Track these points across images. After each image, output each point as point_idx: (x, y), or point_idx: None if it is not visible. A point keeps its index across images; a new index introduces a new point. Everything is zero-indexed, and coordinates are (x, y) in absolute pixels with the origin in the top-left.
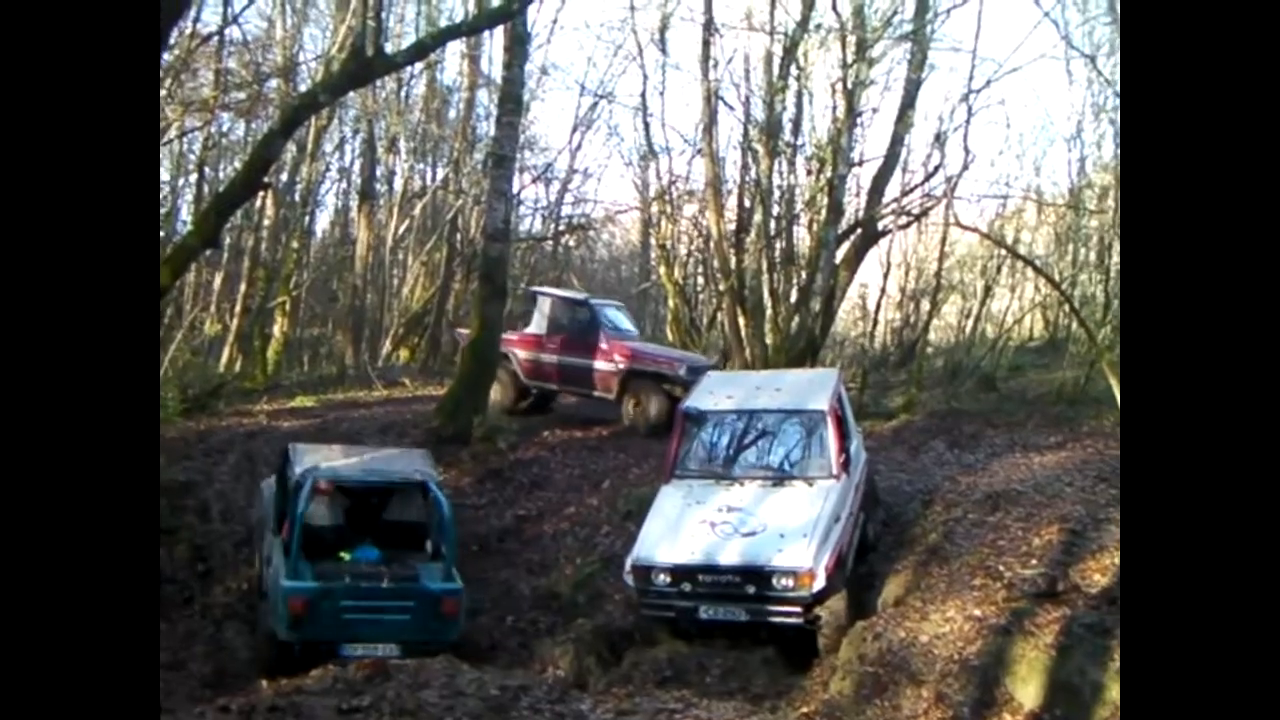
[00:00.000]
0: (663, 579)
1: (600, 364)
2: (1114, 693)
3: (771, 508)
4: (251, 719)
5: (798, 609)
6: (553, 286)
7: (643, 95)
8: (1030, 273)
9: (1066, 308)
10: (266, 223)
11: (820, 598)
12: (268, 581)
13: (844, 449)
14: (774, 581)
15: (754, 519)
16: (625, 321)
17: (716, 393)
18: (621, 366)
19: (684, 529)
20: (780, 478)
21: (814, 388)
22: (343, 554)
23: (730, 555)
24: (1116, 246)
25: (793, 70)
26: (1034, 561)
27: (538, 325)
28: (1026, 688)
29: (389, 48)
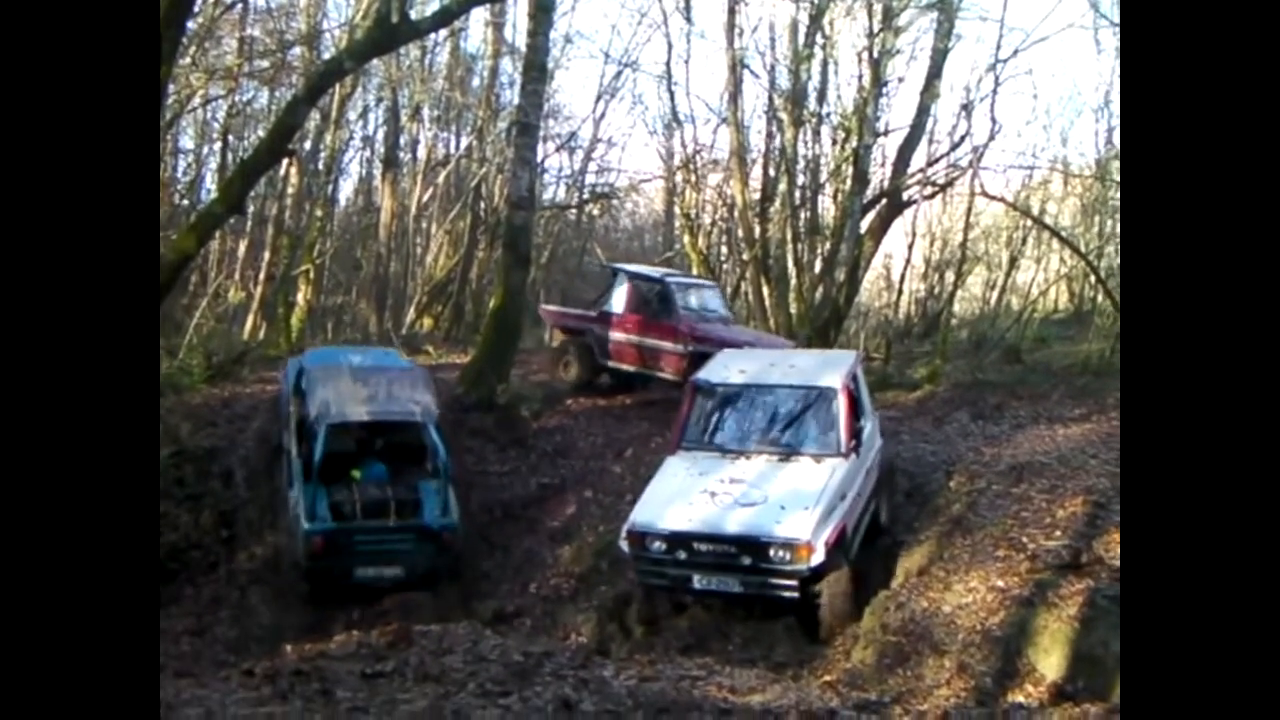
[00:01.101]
0: (658, 546)
1: (670, 345)
2: None
3: (776, 481)
4: (276, 683)
5: (794, 582)
6: (632, 264)
7: (667, 64)
8: (1056, 244)
9: (1092, 279)
10: (290, 190)
11: (818, 573)
12: (290, 505)
13: (855, 429)
14: (770, 553)
15: (757, 491)
16: (712, 302)
17: (730, 366)
18: (688, 349)
19: (684, 497)
20: (788, 453)
21: (828, 366)
22: (354, 472)
23: (728, 524)
24: None
25: (818, 39)
26: (1057, 533)
27: (616, 303)
28: (1049, 659)
29: (413, 14)
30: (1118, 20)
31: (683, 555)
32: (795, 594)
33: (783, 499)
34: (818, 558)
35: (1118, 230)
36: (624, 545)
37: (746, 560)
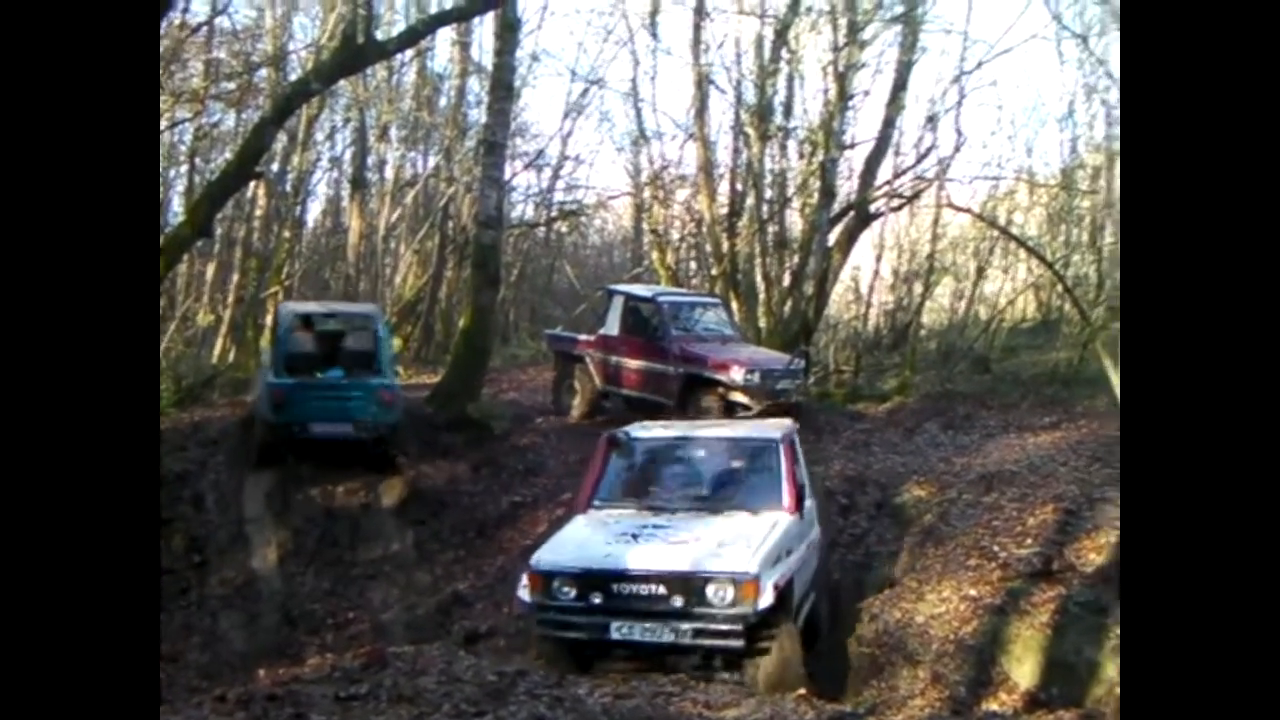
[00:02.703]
0: (566, 590)
1: (663, 367)
2: (1110, 670)
3: (710, 528)
4: (249, 708)
5: (736, 628)
6: (627, 284)
7: (634, 80)
8: (1023, 254)
9: (1060, 288)
10: (258, 212)
11: (765, 621)
12: (261, 386)
13: (798, 487)
14: (708, 592)
15: (688, 533)
16: (712, 320)
17: (652, 427)
18: (680, 371)
19: (598, 540)
20: (722, 507)
21: (765, 427)
22: (317, 373)
23: (653, 561)
24: (1109, 227)
25: (784, 54)
26: (1029, 541)
27: (611, 325)
28: (1022, 667)
29: (380, 35)
30: (1080, 32)
31: (597, 599)
32: (738, 644)
33: (720, 539)
34: (765, 600)
35: (1084, 239)
36: (522, 594)
37: (677, 602)
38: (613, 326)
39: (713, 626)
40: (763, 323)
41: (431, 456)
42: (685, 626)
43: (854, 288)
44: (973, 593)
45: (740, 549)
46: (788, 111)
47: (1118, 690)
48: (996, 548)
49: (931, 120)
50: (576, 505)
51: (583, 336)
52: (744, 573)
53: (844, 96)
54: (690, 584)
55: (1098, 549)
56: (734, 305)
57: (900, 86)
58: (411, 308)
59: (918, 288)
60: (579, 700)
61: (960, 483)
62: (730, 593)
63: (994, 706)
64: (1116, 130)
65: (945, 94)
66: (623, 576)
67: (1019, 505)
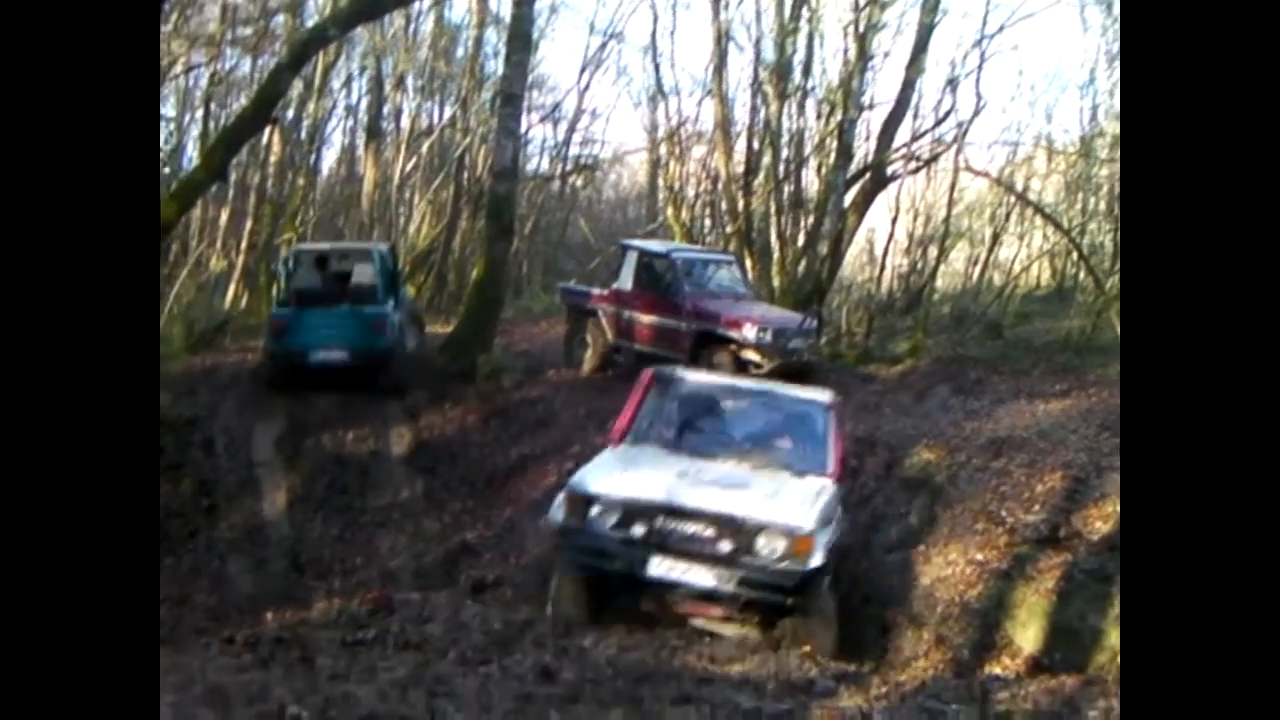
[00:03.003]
0: (606, 518)
1: (675, 323)
2: (1113, 638)
3: (755, 481)
4: (257, 650)
5: (785, 583)
6: (642, 239)
7: (653, 35)
8: (1039, 221)
9: (1075, 256)
10: (273, 159)
11: (809, 581)
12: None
13: (844, 455)
14: (759, 542)
15: (734, 481)
16: (726, 277)
17: (696, 372)
18: (692, 327)
19: (642, 469)
20: (765, 463)
21: (812, 391)
22: (320, 308)
23: (705, 500)
24: None
25: (804, 12)
26: (1036, 507)
27: (624, 280)
28: (1026, 632)
29: None
30: None
31: (639, 531)
32: (780, 599)
33: (771, 492)
34: (816, 559)
35: (1101, 207)
36: (556, 516)
37: (725, 546)
38: (626, 281)
39: (758, 578)
40: (776, 282)
41: (442, 406)
42: (729, 573)
43: (869, 250)
44: (979, 557)
45: (795, 504)
46: (806, 71)
47: (1119, 658)
48: (1004, 513)
49: (951, 83)
50: (610, 438)
51: (596, 291)
52: (799, 527)
53: (863, 57)
54: (742, 530)
55: (1104, 517)
56: (748, 264)
57: (921, 48)
58: (425, 257)
59: (933, 251)
60: (584, 651)
61: (970, 447)
62: (782, 546)
63: (997, 670)
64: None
65: (966, 57)
66: (671, 511)
67: (1028, 471)
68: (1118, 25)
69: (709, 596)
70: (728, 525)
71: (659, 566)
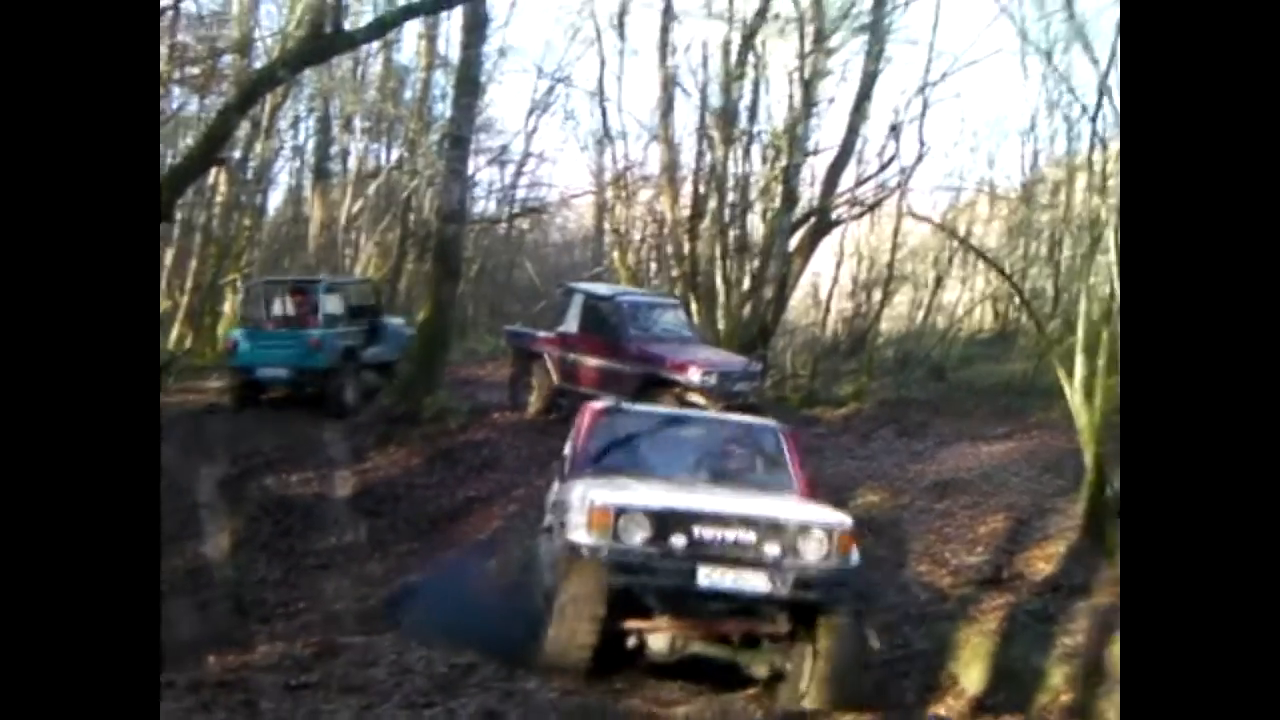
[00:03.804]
0: (638, 530)
1: (620, 366)
2: (1056, 679)
3: (739, 498)
4: (199, 694)
5: (835, 580)
6: (588, 282)
7: (600, 80)
8: (981, 265)
9: (1017, 300)
10: (219, 199)
11: (848, 581)
12: None
13: (808, 476)
14: (803, 542)
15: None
16: (671, 321)
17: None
18: (637, 370)
19: (635, 488)
20: (735, 484)
21: (756, 418)
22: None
23: (739, 506)
24: (1067, 240)
25: (750, 58)
26: (979, 549)
27: (570, 323)
28: (970, 673)
29: (348, 24)
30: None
31: (679, 542)
32: (832, 597)
33: (778, 499)
34: (855, 557)
35: (1042, 252)
36: (582, 537)
37: (772, 550)
38: (571, 324)
39: (808, 577)
40: (721, 325)
41: (386, 447)
42: (780, 576)
43: (813, 293)
44: (922, 598)
45: (816, 507)
46: (752, 116)
47: (1062, 697)
48: (948, 554)
49: (895, 129)
50: (563, 474)
51: (541, 333)
52: (842, 523)
53: (809, 103)
54: (786, 531)
55: (1046, 558)
56: (694, 307)
57: (865, 95)
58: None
59: (876, 295)
60: (529, 694)
61: (913, 489)
62: (827, 544)
63: (941, 711)
64: (1077, 145)
65: (909, 104)
66: (710, 519)
67: (971, 513)
68: (1057, 74)
69: (749, 610)
70: (770, 528)
71: (709, 576)
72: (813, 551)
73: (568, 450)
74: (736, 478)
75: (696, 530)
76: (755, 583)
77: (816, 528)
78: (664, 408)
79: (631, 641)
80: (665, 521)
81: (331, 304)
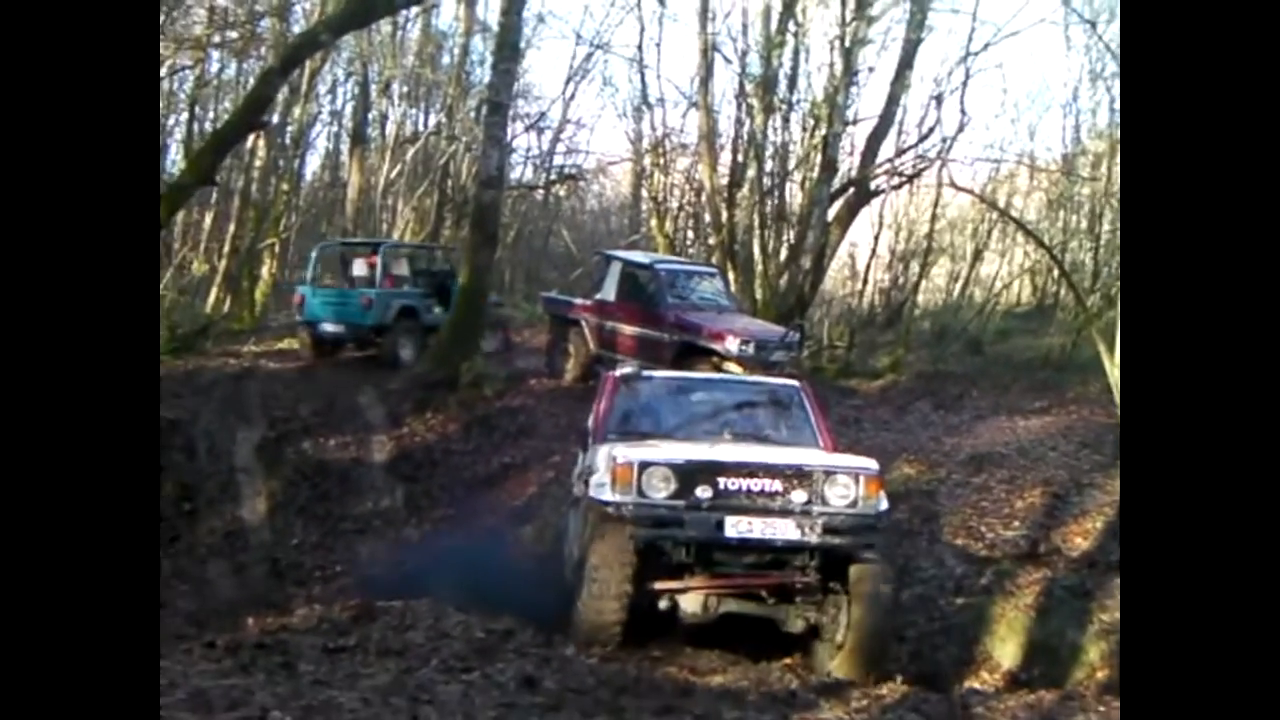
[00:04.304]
0: (664, 484)
1: (658, 334)
2: (1092, 654)
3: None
4: (238, 655)
5: (865, 524)
6: (626, 250)
7: (639, 46)
8: (1020, 238)
9: (1055, 274)
10: (258, 163)
11: (877, 526)
12: None
13: (830, 430)
14: (830, 488)
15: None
16: (709, 290)
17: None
18: (674, 339)
19: (663, 446)
20: (761, 441)
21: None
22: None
23: (763, 456)
24: (1108, 214)
25: (791, 26)
26: (1016, 523)
27: (608, 290)
28: (1005, 647)
29: None
30: (1089, 17)
31: (705, 494)
32: (864, 542)
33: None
34: (884, 503)
35: (1082, 225)
36: (607, 495)
37: (799, 497)
38: (609, 292)
39: (839, 523)
40: (759, 295)
41: (423, 413)
42: (810, 522)
43: (850, 264)
44: (959, 571)
45: (841, 455)
46: (792, 84)
47: (1099, 674)
48: (984, 528)
49: (936, 99)
50: (591, 437)
51: (579, 300)
52: (868, 468)
53: (849, 71)
54: (812, 478)
55: (1084, 534)
56: (731, 276)
57: (906, 64)
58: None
59: (914, 267)
60: (566, 660)
61: (950, 463)
62: (855, 489)
63: (975, 685)
64: (1119, 118)
65: (951, 74)
66: (734, 469)
67: (1008, 487)
68: (1101, 44)
69: (779, 562)
70: (795, 476)
71: (736, 526)
72: (839, 497)
73: (591, 421)
74: (760, 436)
75: (721, 481)
76: (784, 530)
77: (842, 473)
78: (683, 373)
79: (664, 604)
80: (689, 474)
81: (390, 267)
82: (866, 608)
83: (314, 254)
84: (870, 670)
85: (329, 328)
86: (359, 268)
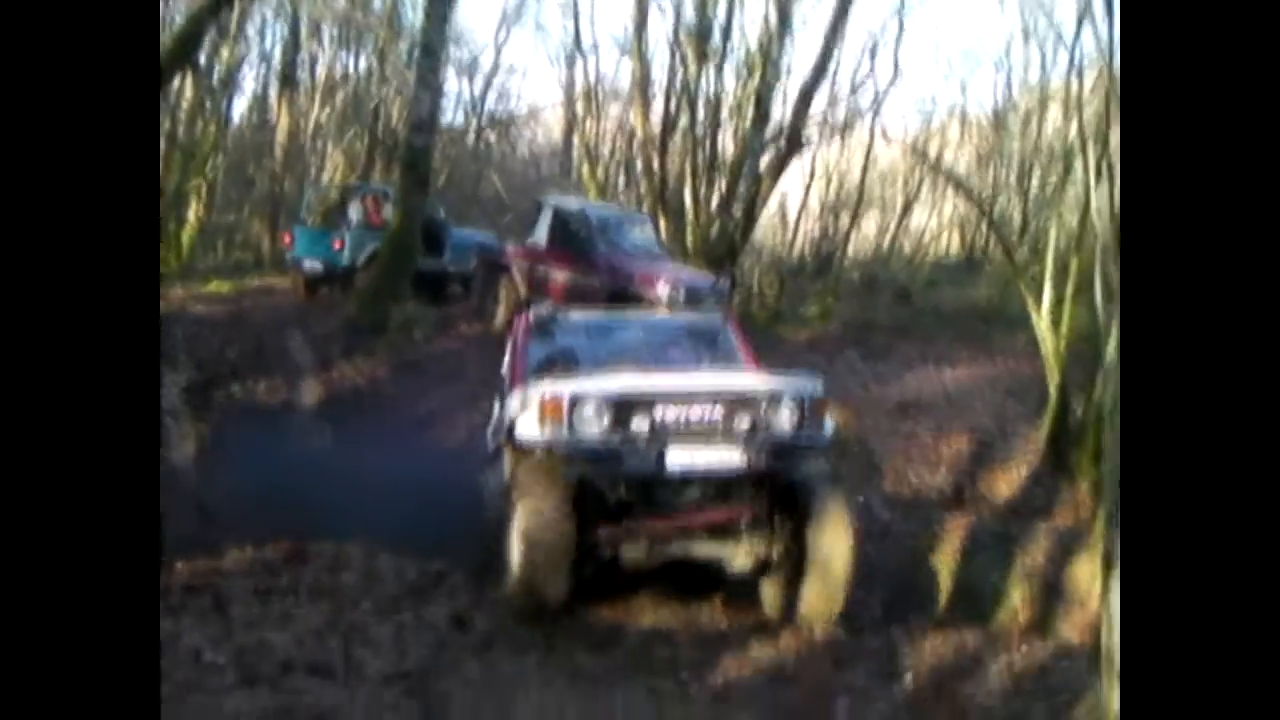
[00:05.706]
0: (596, 418)
1: (589, 280)
2: (1015, 597)
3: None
4: (168, 598)
5: (815, 448)
6: (562, 195)
7: None
8: (949, 191)
9: (984, 227)
10: (184, 105)
11: (825, 449)
12: None
13: (757, 361)
14: (776, 412)
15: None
16: (640, 237)
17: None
18: (605, 284)
19: (598, 379)
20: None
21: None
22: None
23: (703, 382)
24: (1036, 169)
25: None
26: (943, 470)
27: (539, 236)
28: (931, 590)
29: None
30: None
31: (641, 425)
32: (818, 467)
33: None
34: (830, 426)
35: (1011, 180)
36: (533, 433)
37: (743, 423)
38: (541, 237)
39: (786, 446)
40: (690, 242)
41: (353, 357)
42: (755, 450)
43: (781, 214)
44: (885, 517)
45: (784, 376)
46: (726, 34)
47: (1021, 616)
48: (911, 475)
49: (870, 52)
50: (503, 393)
51: (510, 246)
52: (814, 390)
53: (784, 22)
54: (754, 403)
55: (1009, 481)
56: (662, 224)
57: (841, 16)
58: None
59: (845, 217)
60: (497, 602)
61: (878, 411)
62: (799, 412)
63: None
64: (1050, 74)
65: (885, 27)
66: (672, 398)
67: (934, 435)
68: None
69: (725, 493)
70: (738, 401)
71: (679, 456)
72: (785, 421)
73: (505, 366)
74: (688, 369)
75: (659, 411)
76: (729, 458)
77: (787, 396)
78: (599, 311)
79: (605, 553)
80: (625, 406)
81: (375, 209)
82: (832, 534)
83: (307, 194)
84: (841, 600)
85: (309, 265)
86: (353, 210)
